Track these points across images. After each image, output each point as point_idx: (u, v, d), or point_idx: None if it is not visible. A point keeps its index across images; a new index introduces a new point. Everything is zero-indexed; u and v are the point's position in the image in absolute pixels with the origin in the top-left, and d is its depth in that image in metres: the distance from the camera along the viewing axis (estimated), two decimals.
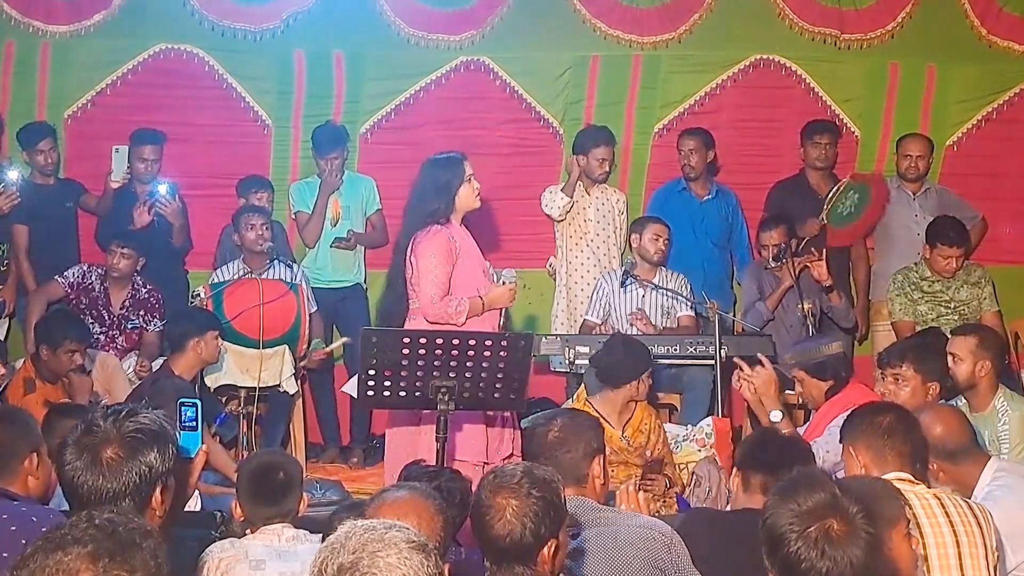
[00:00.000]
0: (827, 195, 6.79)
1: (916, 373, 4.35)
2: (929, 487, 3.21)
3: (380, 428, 5.91)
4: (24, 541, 2.79)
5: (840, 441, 3.43)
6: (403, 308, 4.83)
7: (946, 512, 3.05)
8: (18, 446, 3.18)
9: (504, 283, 4.81)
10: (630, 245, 6.61)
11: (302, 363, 6.41)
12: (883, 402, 3.66)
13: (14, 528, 2.86)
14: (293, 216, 6.87)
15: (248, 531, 3.54)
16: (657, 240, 6.38)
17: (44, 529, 2.79)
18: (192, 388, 5.52)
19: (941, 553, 3.00)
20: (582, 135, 6.85)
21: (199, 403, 2.61)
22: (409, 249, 4.77)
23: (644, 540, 3.15)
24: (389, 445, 4.89)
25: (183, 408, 2.59)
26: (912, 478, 3.16)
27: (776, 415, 4.32)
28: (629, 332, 6.32)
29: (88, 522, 1.86)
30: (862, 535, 2.24)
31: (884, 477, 3.12)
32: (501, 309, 4.91)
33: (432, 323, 4.69)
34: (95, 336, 6.12)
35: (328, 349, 6.47)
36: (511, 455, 4.84)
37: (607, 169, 6.81)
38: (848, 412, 3.61)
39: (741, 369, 4.51)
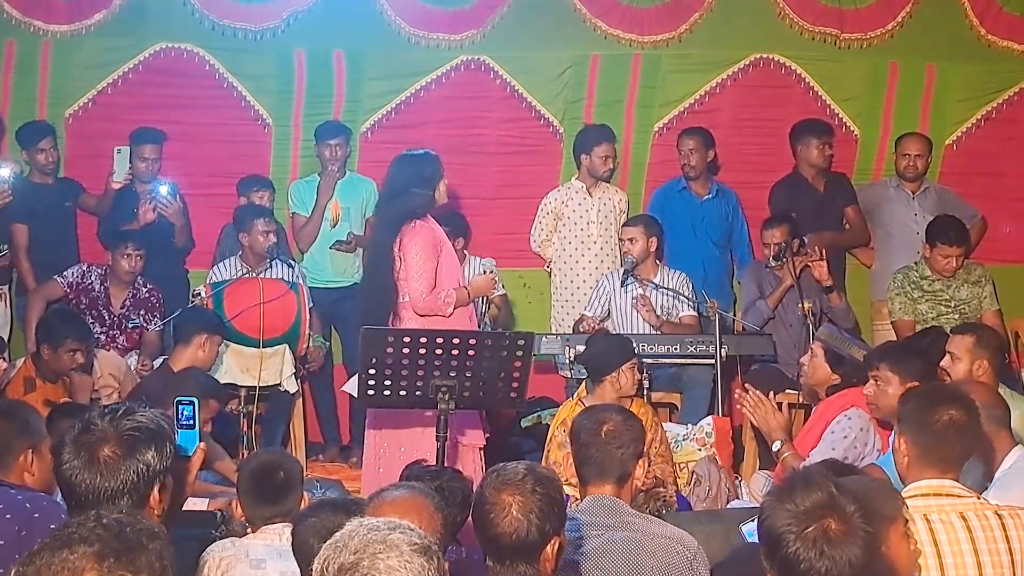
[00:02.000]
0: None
1: (893, 374, 4.33)
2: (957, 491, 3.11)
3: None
4: (17, 527, 2.80)
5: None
6: (390, 302, 4.87)
7: (972, 538, 2.96)
8: (13, 442, 3.18)
9: (485, 271, 4.89)
10: None
11: (308, 366, 6.43)
12: (949, 391, 3.38)
13: (9, 516, 2.87)
14: (291, 216, 6.88)
15: (248, 530, 3.54)
16: (633, 243, 6.38)
17: (36, 516, 2.81)
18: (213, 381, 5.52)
19: (960, 574, 2.96)
20: (582, 135, 6.85)
21: (196, 401, 2.61)
22: (396, 244, 4.81)
23: (666, 552, 3.14)
24: (367, 449, 4.93)
25: (180, 406, 2.59)
26: (944, 488, 3.06)
27: (776, 445, 4.35)
28: (632, 322, 6.34)
29: (96, 521, 1.86)
30: (860, 534, 2.23)
31: (916, 484, 3.06)
32: (483, 298, 5.03)
33: (422, 316, 4.78)
34: (95, 336, 6.12)
35: (322, 350, 6.48)
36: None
37: (611, 166, 6.81)
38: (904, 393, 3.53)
39: (747, 392, 4.52)
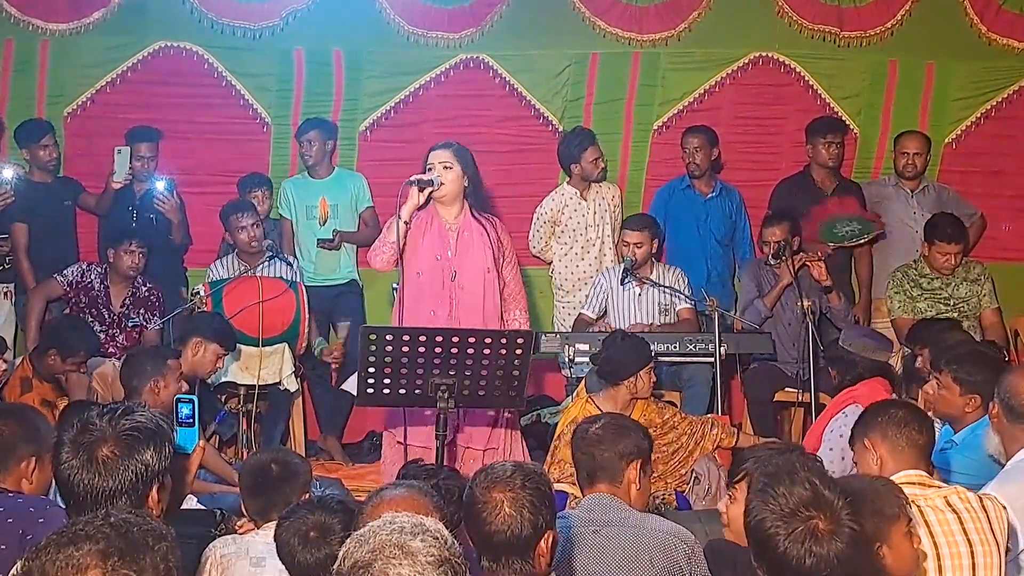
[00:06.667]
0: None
1: (956, 384, 4.07)
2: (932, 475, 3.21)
3: (379, 426, 5.92)
4: (21, 531, 2.78)
5: (851, 439, 3.40)
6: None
7: (960, 519, 3.02)
8: (18, 446, 3.16)
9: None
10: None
11: (332, 362, 6.40)
12: (896, 399, 3.65)
13: (11, 520, 2.86)
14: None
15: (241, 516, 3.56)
16: (639, 247, 6.35)
17: (41, 520, 2.80)
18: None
19: (956, 564, 2.98)
20: (565, 145, 6.75)
21: (195, 399, 2.61)
22: None
23: (664, 546, 3.17)
24: (385, 446, 4.91)
25: (179, 405, 2.59)
26: (923, 479, 3.15)
27: None
28: (630, 319, 6.33)
29: (104, 520, 1.86)
30: (846, 530, 2.24)
31: (897, 475, 3.11)
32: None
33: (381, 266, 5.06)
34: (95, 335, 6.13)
35: (339, 342, 6.44)
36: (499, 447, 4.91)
37: (602, 166, 6.79)
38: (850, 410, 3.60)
39: None
